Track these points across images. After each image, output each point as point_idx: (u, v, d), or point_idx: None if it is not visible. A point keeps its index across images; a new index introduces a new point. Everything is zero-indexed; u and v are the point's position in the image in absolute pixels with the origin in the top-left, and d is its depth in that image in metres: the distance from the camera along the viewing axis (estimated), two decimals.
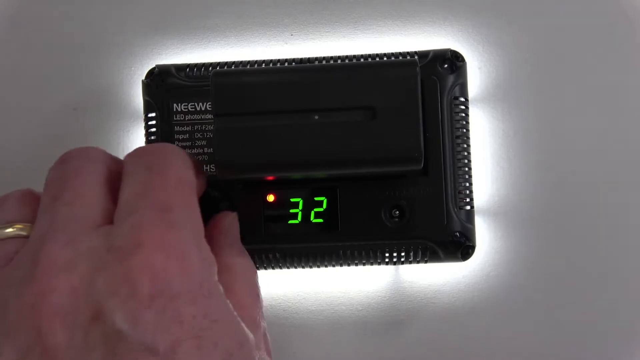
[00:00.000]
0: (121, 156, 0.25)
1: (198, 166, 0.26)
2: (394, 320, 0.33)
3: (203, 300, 0.20)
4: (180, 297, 0.20)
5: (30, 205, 0.24)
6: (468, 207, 0.29)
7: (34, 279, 0.20)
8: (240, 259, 0.26)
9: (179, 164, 0.23)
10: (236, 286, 0.25)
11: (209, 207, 0.29)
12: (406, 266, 0.33)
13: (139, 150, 0.24)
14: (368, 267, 0.33)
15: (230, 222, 0.28)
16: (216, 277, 0.22)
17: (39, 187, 0.32)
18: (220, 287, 0.22)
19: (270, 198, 0.29)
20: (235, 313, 0.22)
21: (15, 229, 0.23)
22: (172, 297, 0.20)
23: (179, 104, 0.30)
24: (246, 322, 0.23)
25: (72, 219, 0.21)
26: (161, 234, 0.20)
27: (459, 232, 0.29)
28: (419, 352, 0.33)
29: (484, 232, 0.32)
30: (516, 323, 0.33)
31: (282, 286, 0.33)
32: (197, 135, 0.30)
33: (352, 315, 0.33)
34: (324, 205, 0.29)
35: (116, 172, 0.24)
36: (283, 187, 0.29)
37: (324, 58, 0.30)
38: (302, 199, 0.29)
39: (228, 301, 0.22)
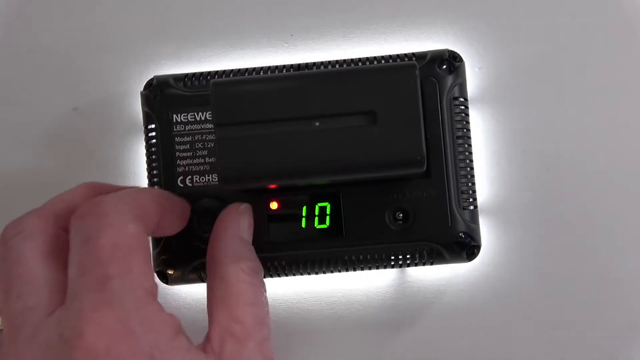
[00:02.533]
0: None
1: (160, 198, 0.26)
2: (395, 321, 0.33)
3: None
4: None
5: None
6: (472, 207, 0.29)
7: None
8: (234, 267, 0.26)
9: (116, 221, 0.23)
10: (229, 299, 0.25)
11: (212, 218, 0.29)
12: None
13: (79, 211, 0.23)
14: (373, 270, 0.33)
15: (230, 220, 0.27)
16: (171, 334, 0.23)
17: (37, 187, 0.32)
18: (181, 340, 0.23)
19: (274, 205, 0.29)
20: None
21: None
22: None
23: (179, 115, 0.30)
24: (236, 338, 0.24)
25: (26, 311, 0.22)
26: (100, 318, 0.21)
27: (464, 233, 0.29)
28: (419, 352, 0.33)
29: (484, 233, 0.32)
30: (516, 323, 0.33)
31: (282, 286, 0.33)
32: (198, 145, 0.30)
33: (352, 315, 0.33)
34: (328, 211, 0.29)
35: (60, 235, 0.24)
36: (286, 194, 0.29)
37: (322, 63, 0.30)
38: (305, 205, 0.29)
39: (195, 353, 0.23)
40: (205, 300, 0.29)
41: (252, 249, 0.27)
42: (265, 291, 0.27)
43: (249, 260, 0.26)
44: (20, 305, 0.22)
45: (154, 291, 0.23)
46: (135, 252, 0.23)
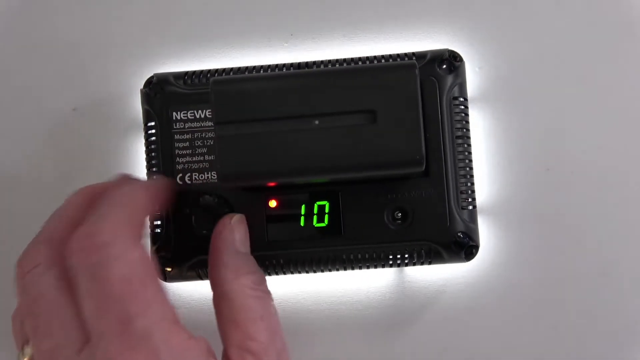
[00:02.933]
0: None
1: (154, 189, 0.27)
2: (394, 320, 0.33)
3: None
4: None
5: None
6: (470, 207, 0.29)
7: None
8: (236, 284, 0.25)
9: (119, 251, 0.22)
10: (238, 317, 0.25)
11: (211, 215, 0.29)
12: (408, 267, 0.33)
13: (76, 243, 0.23)
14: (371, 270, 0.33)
15: (224, 235, 0.27)
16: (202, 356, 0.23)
17: (37, 187, 0.33)
18: None
19: (272, 204, 0.29)
20: None
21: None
22: None
23: (179, 112, 0.30)
24: (255, 355, 0.24)
25: (57, 349, 0.23)
26: None
27: (462, 233, 0.29)
28: (419, 352, 0.33)
29: (483, 232, 0.32)
30: (516, 322, 0.33)
31: (282, 286, 0.33)
32: (197, 143, 0.30)
33: (352, 314, 0.33)
34: (327, 210, 0.29)
35: (66, 267, 0.23)
36: (285, 193, 0.29)
37: (322, 62, 0.30)
38: (304, 203, 0.29)
39: None
40: (206, 299, 0.29)
41: (251, 260, 0.27)
42: (272, 300, 0.26)
43: (251, 273, 0.26)
44: (51, 343, 0.23)
45: (175, 317, 0.23)
46: (148, 281, 0.22)
